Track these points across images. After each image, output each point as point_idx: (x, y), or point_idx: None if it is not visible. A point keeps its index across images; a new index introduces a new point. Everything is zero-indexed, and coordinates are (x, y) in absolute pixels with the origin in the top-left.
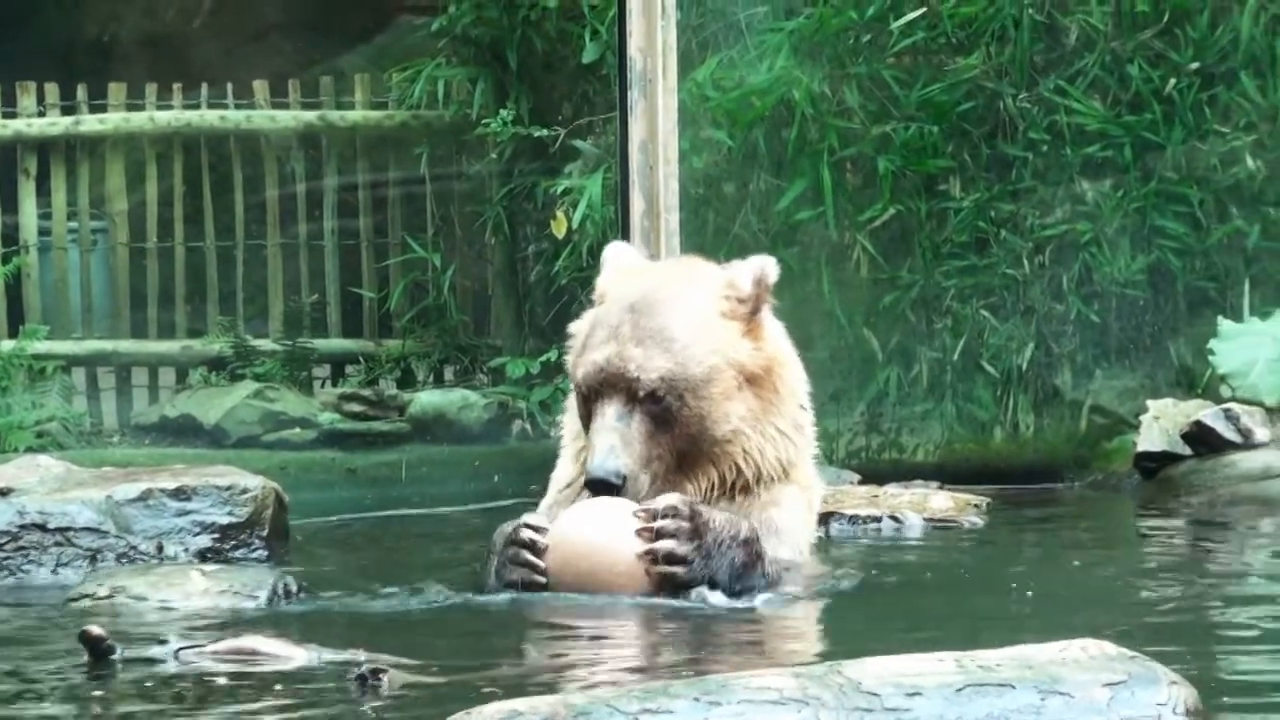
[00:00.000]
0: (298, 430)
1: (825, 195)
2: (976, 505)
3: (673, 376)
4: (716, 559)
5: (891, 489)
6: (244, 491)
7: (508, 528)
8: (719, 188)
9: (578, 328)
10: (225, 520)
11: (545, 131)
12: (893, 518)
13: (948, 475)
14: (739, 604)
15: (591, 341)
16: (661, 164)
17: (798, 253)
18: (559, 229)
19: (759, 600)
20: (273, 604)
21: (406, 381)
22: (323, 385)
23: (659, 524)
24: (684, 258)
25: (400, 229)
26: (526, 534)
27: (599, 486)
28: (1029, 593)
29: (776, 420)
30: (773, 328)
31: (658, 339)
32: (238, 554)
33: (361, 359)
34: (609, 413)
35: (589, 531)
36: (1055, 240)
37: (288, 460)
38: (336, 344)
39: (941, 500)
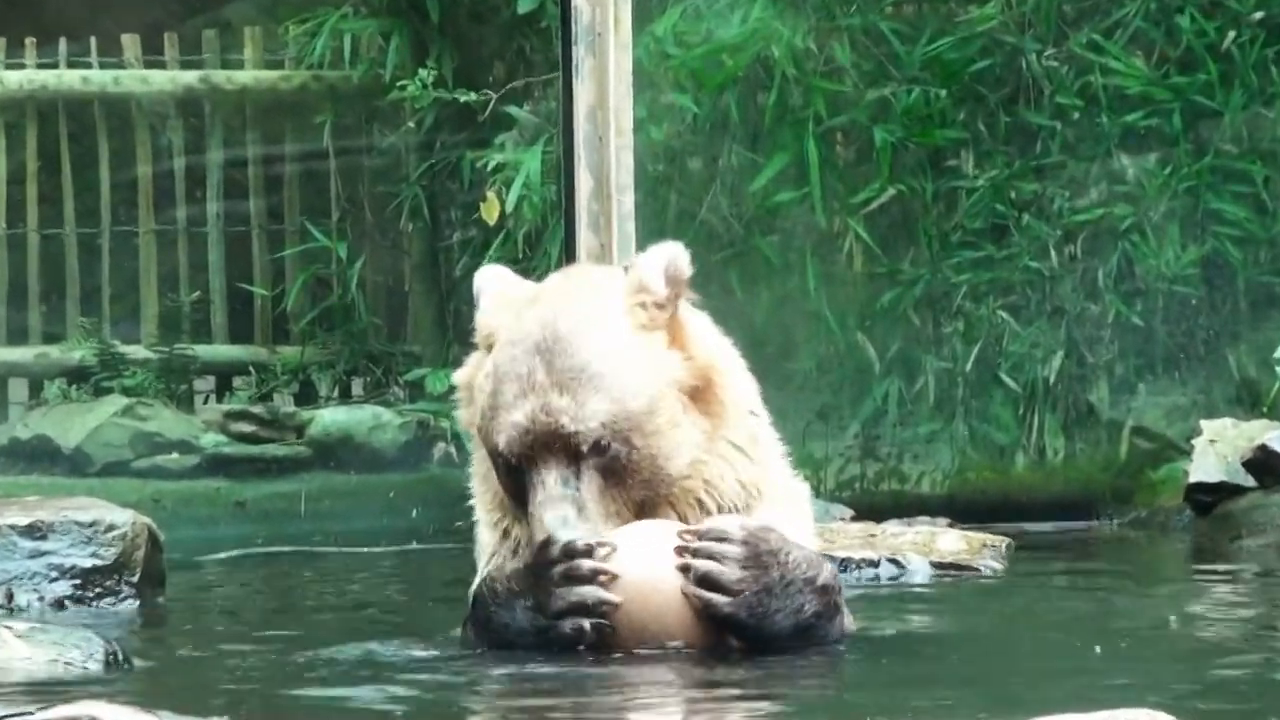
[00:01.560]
0: (175, 455)
1: (811, 173)
2: (994, 547)
3: (614, 419)
4: (778, 600)
5: (891, 527)
6: (110, 529)
7: (502, 570)
8: (682, 164)
9: (465, 377)
10: (88, 563)
11: (473, 96)
12: (893, 561)
13: (959, 511)
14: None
15: (501, 399)
16: (613, 135)
17: (778, 242)
18: (490, 213)
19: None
20: (111, 668)
21: (306, 396)
22: (205, 401)
23: (703, 544)
24: (572, 269)
25: (299, 213)
26: (583, 540)
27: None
28: (1060, 652)
29: (728, 434)
30: (697, 327)
31: (582, 380)
32: (103, 603)
33: (252, 369)
34: (549, 481)
35: (639, 568)
36: (1089, 227)
37: (163, 491)
38: (222, 351)
39: (952, 541)
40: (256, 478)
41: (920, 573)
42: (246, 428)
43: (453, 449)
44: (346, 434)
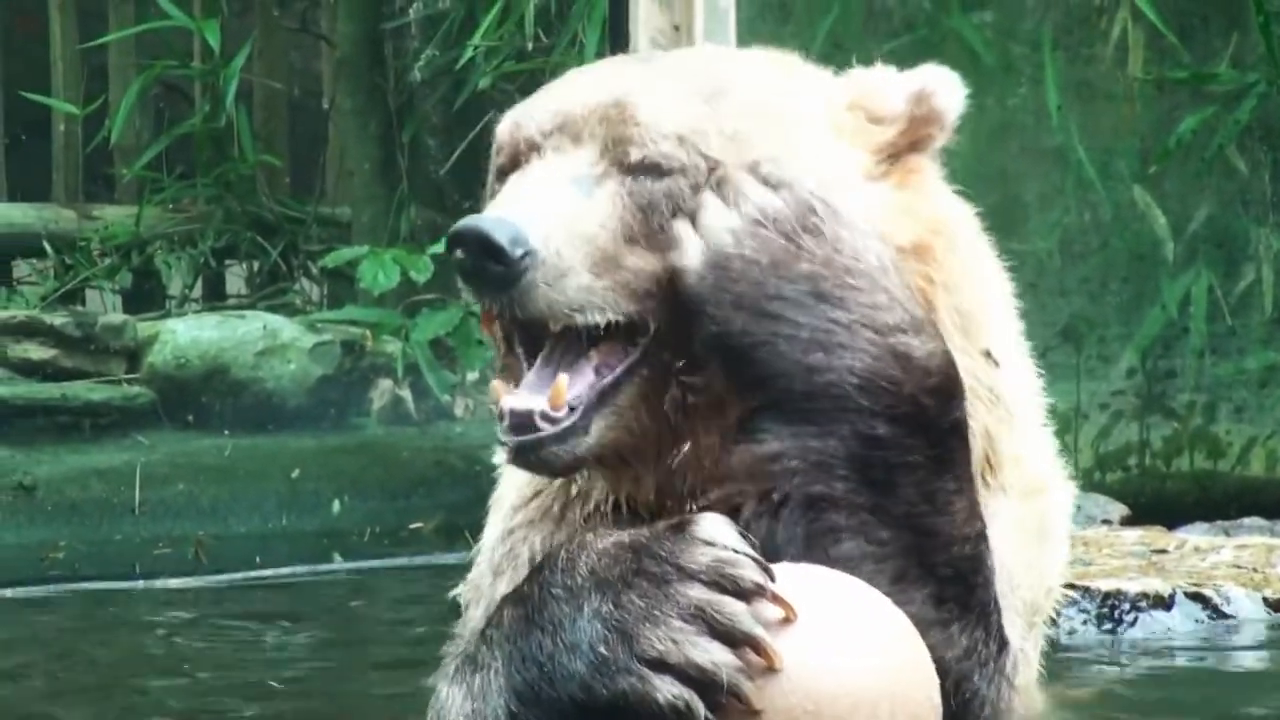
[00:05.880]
0: None
1: None
2: None
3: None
4: None
5: (1196, 538)
6: None
7: (592, 542)
8: None
9: None
10: None
11: None
12: (1197, 598)
13: None
14: None
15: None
16: None
17: (992, 24)
18: None
19: None
20: None
21: (145, 296)
22: None
23: None
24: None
25: None
26: (751, 573)
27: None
28: None
29: None
30: (939, 192)
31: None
32: None
33: (48, 246)
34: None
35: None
36: None
37: None
38: None
39: None
40: (54, 442)
41: (1249, 620)
42: (38, 352)
43: (408, 394)
44: (216, 363)
